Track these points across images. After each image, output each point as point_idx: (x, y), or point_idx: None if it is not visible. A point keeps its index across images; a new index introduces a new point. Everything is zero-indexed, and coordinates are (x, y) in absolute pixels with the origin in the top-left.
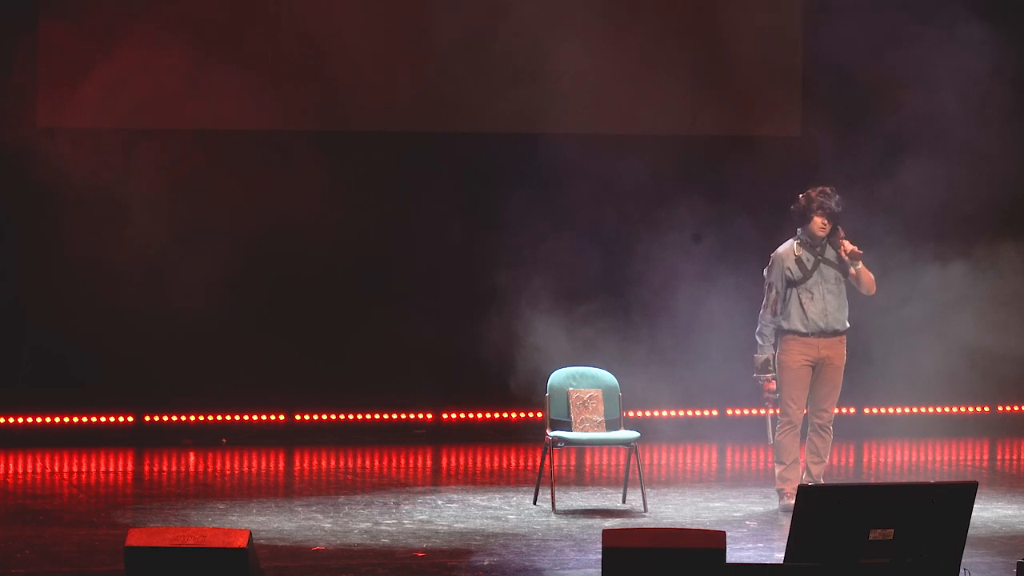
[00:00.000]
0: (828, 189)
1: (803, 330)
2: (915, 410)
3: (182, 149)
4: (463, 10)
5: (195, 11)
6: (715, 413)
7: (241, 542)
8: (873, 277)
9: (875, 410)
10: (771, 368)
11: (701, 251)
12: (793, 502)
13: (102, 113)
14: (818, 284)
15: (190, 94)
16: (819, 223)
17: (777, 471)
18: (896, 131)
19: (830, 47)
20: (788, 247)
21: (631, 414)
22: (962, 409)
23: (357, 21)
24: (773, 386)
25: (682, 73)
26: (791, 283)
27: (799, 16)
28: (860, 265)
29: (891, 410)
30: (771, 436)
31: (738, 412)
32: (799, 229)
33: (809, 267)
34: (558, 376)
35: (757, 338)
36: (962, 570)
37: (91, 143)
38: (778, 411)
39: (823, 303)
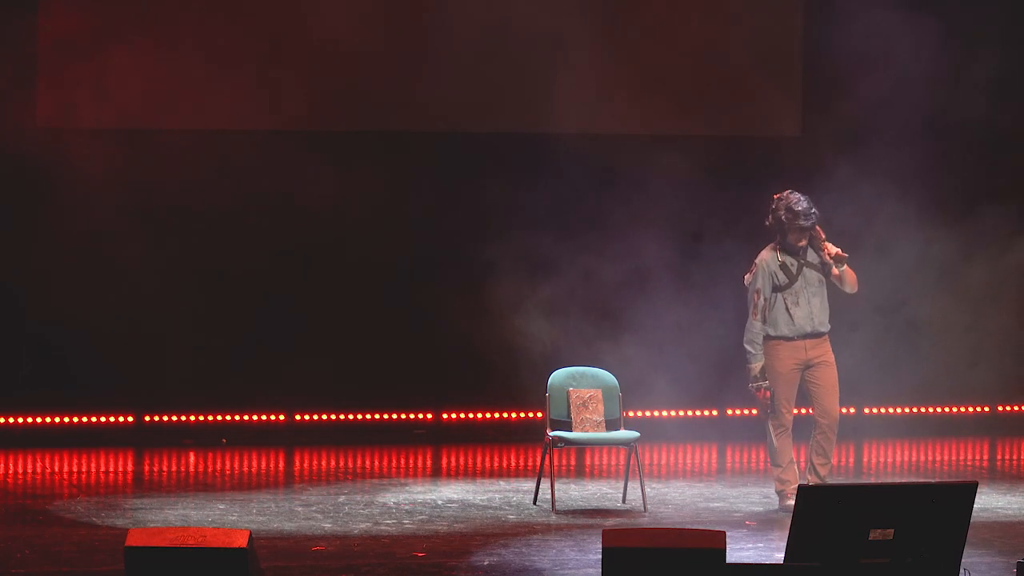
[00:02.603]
0: (795, 205)
1: (789, 335)
2: (915, 410)
3: (183, 149)
4: (463, 9)
5: (196, 11)
6: (715, 413)
7: (241, 542)
8: (855, 276)
9: (875, 410)
10: (766, 376)
11: (701, 250)
12: (793, 502)
13: (102, 113)
14: (803, 288)
15: (190, 94)
16: (795, 238)
17: (775, 473)
18: (896, 130)
19: (830, 47)
20: (771, 252)
21: (631, 414)
22: (962, 409)
23: (358, 21)
24: (769, 395)
25: (682, 73)
26: (776, 288)
27: (799, 16)
28: (845, 266)
29: (891, 410)
30: (774, 441)
31: (738, 412)
32: (778, 236)
33: (794, 272)
34: (558, 376)
35: (747, 347)
36: (962, 570)
37: (91, 143)
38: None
39: (808, 307)
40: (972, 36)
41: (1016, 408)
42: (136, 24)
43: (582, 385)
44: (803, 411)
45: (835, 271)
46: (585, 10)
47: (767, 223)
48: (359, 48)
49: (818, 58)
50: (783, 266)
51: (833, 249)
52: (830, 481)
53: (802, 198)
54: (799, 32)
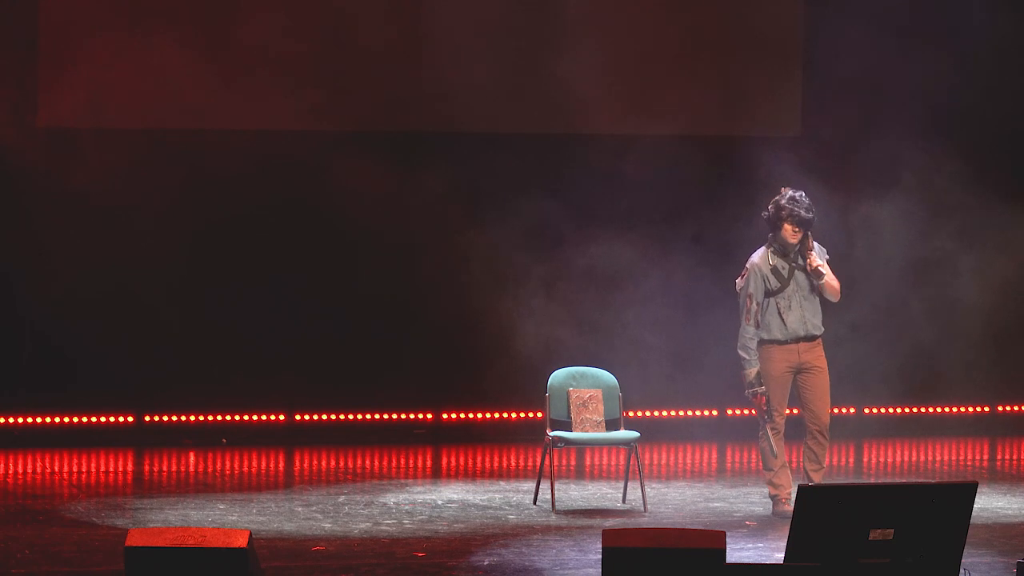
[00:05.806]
0: (798, 196)
1: (782, 338)
2: (915, 410)
3: (184, 148)
4: (465, 11)
5: (197, 10)
6: (715, 413)
7: (241, 542)
8: (838, 285)
9: (875, 410)
10: (762, 381)
11: (701, 251)
12: (787, 508)
13: (102, 113)
14: (795, 292)
15: (192, 94)
16: (790, 231)
17: (767, 477)
18: (896, 130)
19: (830, 46)
20: (762, 256)
21: (631, 414)
22: (962, 409)
23: (360, 21)
24: (765, 400)
25: (682, 72)
26: (769, 293)
27: (799, 15)
28: (823, 281)
29: (891, 410)
30: (773, 447)
31: (738, 412)
32: (771, 235)
33: (786, 276)
34: (558, 376)
35: (741, 352)
36: (962, 570)
37: (91, 143)
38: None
39: (800, 311)
40: (972, 34)
41: (1016, 408)
42: (137, 24)
43: (582, 385)
44: (793, 411)
45: (816, 283)
46: (584, 9)
47: (764, 215)
48: (361, 48)
49: (818, 58)
50: (775, 270)
51: (815, 262)
52: (827, 481)
53: (804, 195)
54: (799, 32)
